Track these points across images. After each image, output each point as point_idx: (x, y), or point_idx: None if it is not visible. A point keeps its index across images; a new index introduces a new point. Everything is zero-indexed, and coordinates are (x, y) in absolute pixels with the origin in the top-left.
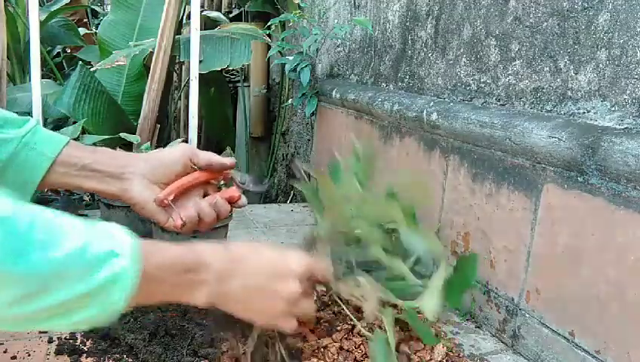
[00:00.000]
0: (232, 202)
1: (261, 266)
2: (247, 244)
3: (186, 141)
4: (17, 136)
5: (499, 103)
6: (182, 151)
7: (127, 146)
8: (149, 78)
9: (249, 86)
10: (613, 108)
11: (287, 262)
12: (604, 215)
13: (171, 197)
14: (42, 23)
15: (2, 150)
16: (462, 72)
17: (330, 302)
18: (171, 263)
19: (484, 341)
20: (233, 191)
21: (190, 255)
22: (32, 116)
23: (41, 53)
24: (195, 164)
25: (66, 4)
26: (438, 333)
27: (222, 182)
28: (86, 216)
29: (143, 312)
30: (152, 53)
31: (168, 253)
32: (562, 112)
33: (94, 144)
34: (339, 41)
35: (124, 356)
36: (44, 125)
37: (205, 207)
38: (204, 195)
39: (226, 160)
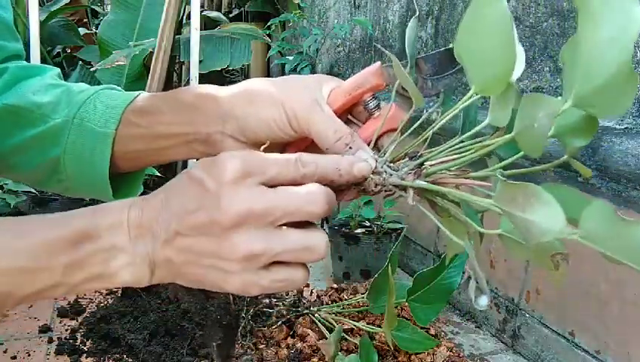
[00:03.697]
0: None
1: (187, 204)
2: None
3: None
4: (69, 118)
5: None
6: (279, 114)
7: None
8: (149, 78)
9: None
10: None
11: (219, 181)
12: None
13: None
14: (42, 23)
15: (56, 142)
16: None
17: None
18: (39, 244)
19: (484, 341)
20: (392, 118)
21: (74, 221)
22: None
23: (41, 53)
24: (297, 132)
25: (66, 4)
26: (438, 333)
27: (370, 101)
28: None
29: (143, 312)
30: (152, 53)
31: (30, 235)
32: None
33: None
34: (339, 41)
35: (124, 356)
36: None
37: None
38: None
39: (366, 79)
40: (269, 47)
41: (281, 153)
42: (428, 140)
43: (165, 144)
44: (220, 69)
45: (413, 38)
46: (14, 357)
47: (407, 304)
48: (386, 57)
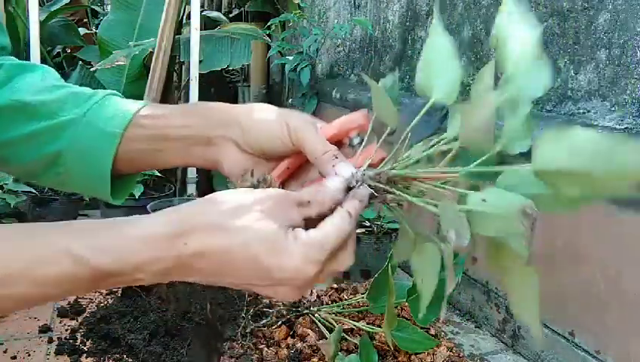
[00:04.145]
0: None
1: (237, 272)
2: (214, 228)
3: None
4: (77, 117)
5: None
6: (280, 126)
7: None
8: (149, 78)
9: (249, 86)
10: (613, 109)
11: (279, 269)
12: (604, 215)
13: (277, 184)
14: (42, 23)
15: (60, 137)
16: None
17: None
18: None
19: (484, 341)
20: (373, 152)
21: (93, 260)
22: None
23: (41, 53)
24: (294, 144)
25: (66, 4)
26: (438, 333)
27: (355, 138)
28: (86, 215)
29: (143, 312)
30: (152, 53)
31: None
32: (562, 112)
33: None
34: (339, 41)
35: (124, 356)
36: None
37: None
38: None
39: (354, 119)
40: (269, 47)
41: (278, 165)
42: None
43: (166, 146)
44: (219, 69)
45: (390, 85)
46: (14, 357)
47: (407, 304)
48: (387, 58)
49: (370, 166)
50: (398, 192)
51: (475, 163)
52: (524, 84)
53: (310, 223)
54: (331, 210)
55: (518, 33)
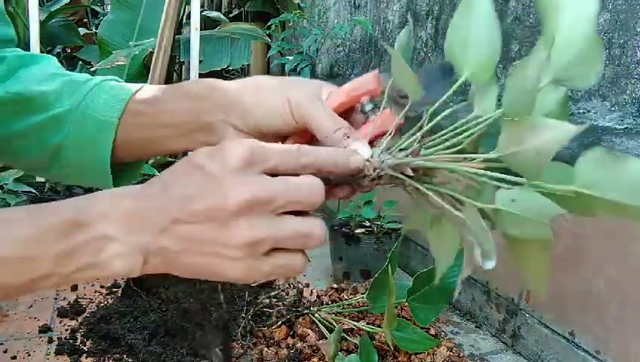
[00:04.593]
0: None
1: (186, 197)
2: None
3: None
4: (72, 107)
5: (499, 103)
6: (282, 102)
7: None
8: (149, 78)
9: None
10: (613, 108)
11: (223, 173)
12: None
13: None
14: (42, 23)
15: (59, 129)
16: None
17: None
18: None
19: (484, 341)
20: (385, 121)
21: (64, 210)
22: None
23: (41, 53)
24: (297, 122)
25: (66, 4)
26: (438, 333)
27: (367, 104)
28: None
29: (143, 312)
30: (152, 53)
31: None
32: None
33: None
34: (339, 41)
35: (124, 356)
36: None
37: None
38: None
39: (364, 83)
40: (269, 47)
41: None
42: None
43: (167, 133)
44: (219, 69)
45: (405, 43)
46: (14, 357)
47: (407, 304)
48: (387, 58)
49: (384, 133)
50: (421, 188)
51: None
52: (573, 69)
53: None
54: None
55: (571, 4)
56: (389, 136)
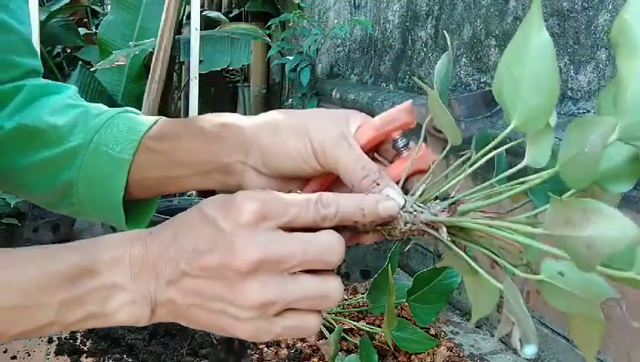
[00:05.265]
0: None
1: (198, 251)
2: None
3: None
4: (86, 140)
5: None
6: (304, 146)
7: None
8: (149, 78)
9: (249, 86)
10: None
11: (233, 233)
12: None
13: None
14: (42, 23)
15: (71, 165)
16: (462, 71)
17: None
18: (38, 281)
19: (484, 341)
20: (421, 159)
21: (72, 255)
22: None
23: (41, 53)
24: (322, 166)
25: (66, 4)
26: (438, 333)
27: (400, 140)
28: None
29: None
30: (152, 53)
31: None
32: (562, 112)
33: None
34: (339, 41)
35: (124, 356)
36: None
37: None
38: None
39: (396, 117)
40: (269, 47)
41: (303, 188)
42: (460, 182)
43: (182, 172)
44: (220, 69)
45: (444, 74)
46: (14, 357)
47: (407, 304)
48: (387, 58)
49: (420, 172)
50: (456, 249)
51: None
52: None
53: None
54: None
55: None
56: (424, 184)
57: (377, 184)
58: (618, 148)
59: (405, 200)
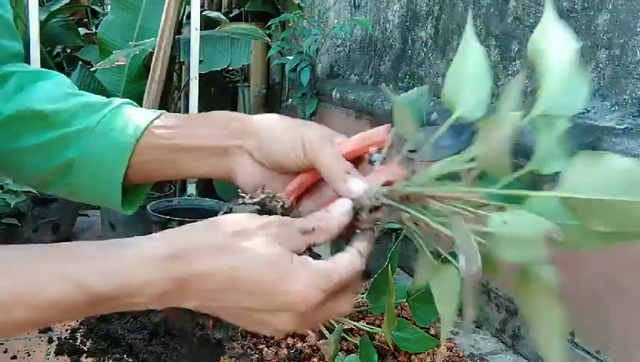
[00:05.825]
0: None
1: (240, 295)
2: (217, 249)
3: None
4: (90, 126)
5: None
6: (295, 139)
7: None
8: (149, 78)
9: (249, 86)
10: (613, 108)
11: (285, 293)
12: None
13: (290, 200)
14: (42, 23)
15: (73, 146)
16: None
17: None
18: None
19: (484, 341)
20: (393, 170)
21: (93, 285)
22: None
23: (41, 53)
24: (308, 160)
25: (66, 4)
26: (438, 333)
27: (374, 155)
28: (86, 215)
29: (143, 312)
30: (152, 53)
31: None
32: None
33: None
34: (339, 41)
35: (124, 356)
36: None
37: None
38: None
39: (374, 134)
40: (269, 47)
41: (291, 180)
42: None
43: (179, 156)
44: (220, 69)
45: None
46: (14, 357)
47: (407, 304)
48: (386, 59)
49: (388, 184)
50: (413, 212)
51: (500, 184)
52: (560, 100)
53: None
54: (340, 235)
55: (554, 48)
56: (385, 178)
57: (348, 173)
58: (548, 137)
59: (368, 187)
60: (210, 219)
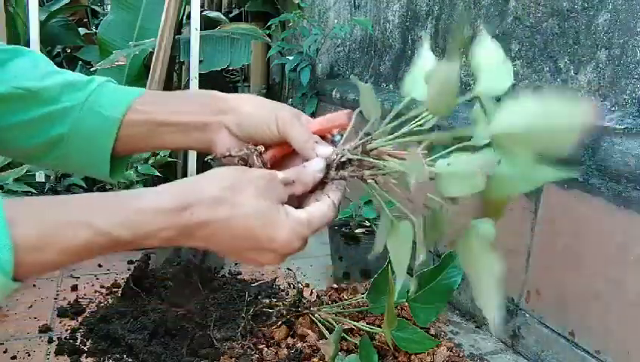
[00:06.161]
0: None
1: (235, 240)
2: (216, 201)
3: None
4: (78, 103)
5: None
6: (270, 116)
7: None
8: (149, 78)
9: (249, 86)
10: (613, 108)
11: (272, 239)
12: (604, 215)
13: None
14: (42, 23)
15: (62, 122)
16: (462, 72)
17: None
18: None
19: (484, 341)
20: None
21: (117, 230)
22: None
23: (41, 53)
24: (280, 134)
25: (66, 4)
26: (437, 333)
27: (336, 136)
28: None
29: (143, 312)
30: (152, 53)
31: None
32: None
33: None
34: (339, 41)
35: (124, 356)
36: None
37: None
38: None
39: (337, 117)
40: (269, 47)
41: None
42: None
43: (165, 130)
44: (220, 69)
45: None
46: (14, 357)
47: (407, 304)
48: (386, 58)
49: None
50: (374, 160)
51: (448, 150)
52: (490, 83)
53: (294, 200)
54: (313, 189)
55: (487, 52)
56: (346, 134)
57: (316, 142)
58: (483, 110)
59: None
60: (208, 172)
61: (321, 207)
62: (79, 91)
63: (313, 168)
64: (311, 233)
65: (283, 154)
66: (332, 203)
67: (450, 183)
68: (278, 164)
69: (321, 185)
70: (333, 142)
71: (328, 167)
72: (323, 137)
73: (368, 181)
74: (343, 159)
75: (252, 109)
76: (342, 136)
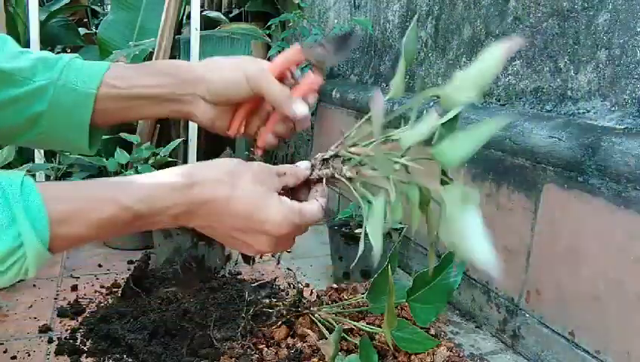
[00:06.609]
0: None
1: (232, 218)
2: (218, 182)
3: (186, 141)
4: (52, 80)
5: (499, 103)
6: (239, 77)
7: (127, 147)
8: None
9: None
10: (613, 108)
11: (265, 221)
12: (604, 215)
13: (239, 129)
14: (42, 23)
15: (40, 100)
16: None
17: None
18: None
19: (484, 341)
20: (311, 78)
21: (126, 212)
22: None
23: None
24: (252, 90)
25: (66, 4)
26: (437, 333)
27: (297, 72)
28: None
29: (143, 312)
30: (152, 53)
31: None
32: (562, 112)
33: None
34: None
35: (124, 356)
36: None
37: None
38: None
39: (291, 56)
40: (269, 47)
41: (235, 111)
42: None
43: (140, 103)
44: None
45: (412, 37)
46: (14, 357)
47: (407, 304)
48: (387, 58)
49: (311, 92)
50: (351, 154)
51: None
52: (458, 94)
53: (285, 194)
54: (300, 185)
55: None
56: (309, 84)
57: (290, 98)
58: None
59: (314, 161)
60: (212, 160)
61: (311, 205)
62: (51, 69)
63: (303, 167)
64: (301, 223)
65: (252, 108)
66: (320, 206)
67: (408, 139)
68: (252, 114)
69: (308, 188)
70: (294, 78)
71: (313, 166)
72: (284, 76)
73: (347, 175)
74: (325, 156)
75: (219, 75)
76: (302, 71)
